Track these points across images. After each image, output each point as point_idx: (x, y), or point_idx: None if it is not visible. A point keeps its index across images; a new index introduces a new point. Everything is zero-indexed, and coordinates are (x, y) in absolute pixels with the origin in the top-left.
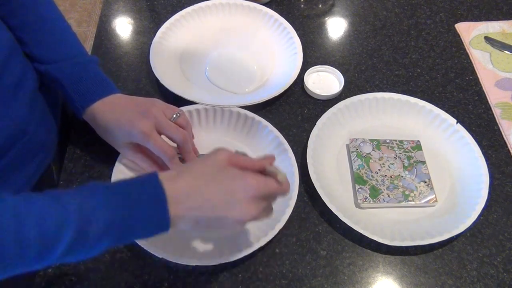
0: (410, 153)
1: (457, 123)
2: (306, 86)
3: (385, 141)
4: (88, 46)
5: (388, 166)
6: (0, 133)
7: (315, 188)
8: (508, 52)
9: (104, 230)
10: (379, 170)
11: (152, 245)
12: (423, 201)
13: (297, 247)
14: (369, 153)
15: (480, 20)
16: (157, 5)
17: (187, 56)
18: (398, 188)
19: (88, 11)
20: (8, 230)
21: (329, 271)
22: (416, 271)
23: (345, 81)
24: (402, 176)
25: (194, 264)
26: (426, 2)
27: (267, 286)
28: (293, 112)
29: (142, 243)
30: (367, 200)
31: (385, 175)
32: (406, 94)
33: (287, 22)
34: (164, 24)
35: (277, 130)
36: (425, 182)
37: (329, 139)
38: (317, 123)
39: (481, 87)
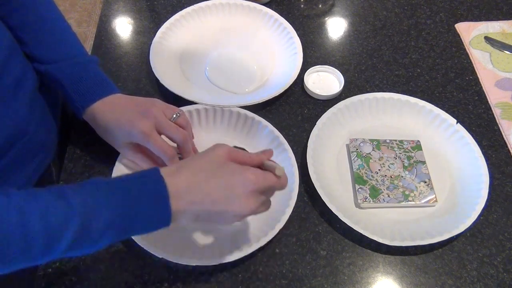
0: (410, 153)
1: (457, 123)
2: (306, 86)
3: (385, 141)
4: (88, 46)
5: (388, 166)
6: (0, 133)
7: (315, 188)
8: (508, 52)
9: (107, 225)
10: (379, 170)
11: (152, 245)
12: (423, 201)
13: (297, 247)
14: (369, 153)
15: (480, 20)
16: (157, 5)
17: (187, 56)
18: (398, 188)
19: (88, 11)
20: (14, 224)
21: (329, 271)
22: (416, 271)
23: (345, 81)
24: (402, 176)
25: (194, 264)
26: (426, 2)
27: (267, 286)
28: (293, 112)
29: (142, 243)
30: (367, 200)
31: (385, 175)
32: (406, 94)
33: (287, 22)
34: (164, 24)
35: (277, 130)
36: (425, 182)
37: (329, 139)
38: (317, 123)
39: (481, 87)
